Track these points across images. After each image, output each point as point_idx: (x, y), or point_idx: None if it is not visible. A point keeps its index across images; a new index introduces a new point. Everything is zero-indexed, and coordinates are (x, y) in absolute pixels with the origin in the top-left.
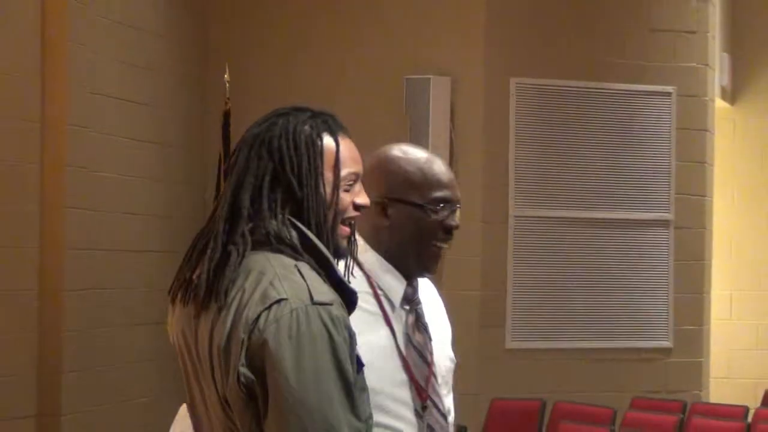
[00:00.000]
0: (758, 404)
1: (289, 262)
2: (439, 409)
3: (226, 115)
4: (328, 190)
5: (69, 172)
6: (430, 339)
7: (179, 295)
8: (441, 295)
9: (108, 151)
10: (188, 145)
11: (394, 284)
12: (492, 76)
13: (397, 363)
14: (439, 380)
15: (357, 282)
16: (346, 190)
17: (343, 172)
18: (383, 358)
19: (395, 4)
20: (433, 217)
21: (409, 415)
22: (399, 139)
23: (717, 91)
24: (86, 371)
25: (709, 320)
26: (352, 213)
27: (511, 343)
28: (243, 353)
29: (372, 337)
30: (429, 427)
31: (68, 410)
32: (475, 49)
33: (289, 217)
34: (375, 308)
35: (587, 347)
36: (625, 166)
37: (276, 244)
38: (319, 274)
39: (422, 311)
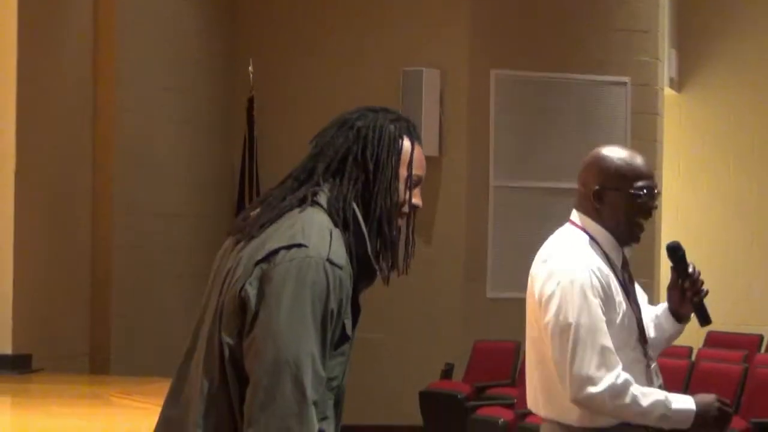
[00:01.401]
0: (701, 345)
1: (328, 224)
2: (648, 341)
3: (250, 101)
4: (400, 184)
5: (117, 148)
6: (635, 292)
7: (233, 231)
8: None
9: (150, 131)
10: (219, 126)
11: (616, 253)
12: (475, 69)
13: (630, 311)
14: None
15: (598, 253)
16: (410, 189)
17: (414, 172)
18: (625, 306)
19: (394, 8)
20: (638, 201)
21: (639, 343)
22: None
23: (666, 81)
24: (132, 316)
25: (659, 274)
26: (407, 209)
27: (490, 293)
28: (255, 273)
29: (617, 292)
30: (649, 353)
31: (117, 349)
32: (461, 46)
33: (351, 196)
34: (611, 272)
35: None
36: (588, 144)
37: (326, 207)
38: (350, 246)
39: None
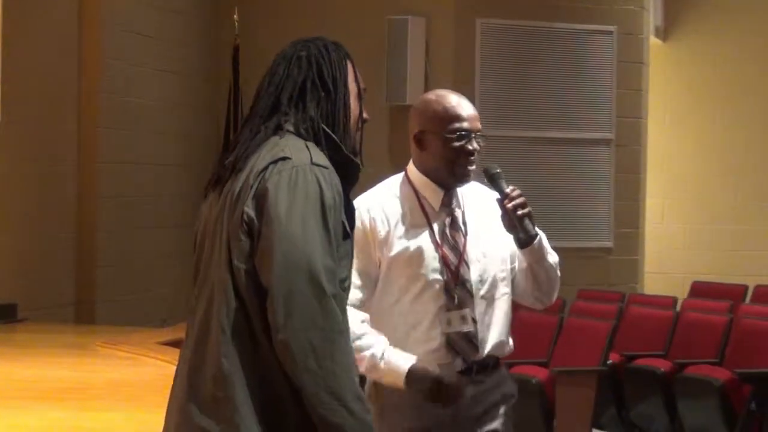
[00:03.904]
0: (685, 295)
1: (302, 141)
2: (465, 286)
3: (235, 50)
4: (353, 98)
5: (103, 98)
6: (465, 235)
7: (213, 184)
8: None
9: (137, 80)
10: (204, 75)
11: (433, 195)
12: (461, 17)
13: (433, 250)
14: (472, 266)
15: (406, 194)
16: (360, 101)
17: (361, 85)
18: (424, 245)
19: None
20: (455, 144)
21: (439, 283)
22: (379, 69)
23: (652, 30)
24: (117, 266)
25: (644, 224)
26: (359, 124)
27: None
28: (250, 195)
29: (416, 231)
30: (458, 296)
31: (102, 299)
32: None
33: (317, 116)
34: (419, 212)
35: None
36: (574, 93)
37: (294, 130)
38: (325, 152)
39: (459, 215)
